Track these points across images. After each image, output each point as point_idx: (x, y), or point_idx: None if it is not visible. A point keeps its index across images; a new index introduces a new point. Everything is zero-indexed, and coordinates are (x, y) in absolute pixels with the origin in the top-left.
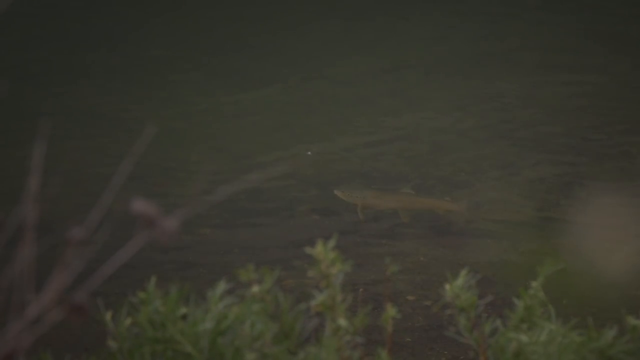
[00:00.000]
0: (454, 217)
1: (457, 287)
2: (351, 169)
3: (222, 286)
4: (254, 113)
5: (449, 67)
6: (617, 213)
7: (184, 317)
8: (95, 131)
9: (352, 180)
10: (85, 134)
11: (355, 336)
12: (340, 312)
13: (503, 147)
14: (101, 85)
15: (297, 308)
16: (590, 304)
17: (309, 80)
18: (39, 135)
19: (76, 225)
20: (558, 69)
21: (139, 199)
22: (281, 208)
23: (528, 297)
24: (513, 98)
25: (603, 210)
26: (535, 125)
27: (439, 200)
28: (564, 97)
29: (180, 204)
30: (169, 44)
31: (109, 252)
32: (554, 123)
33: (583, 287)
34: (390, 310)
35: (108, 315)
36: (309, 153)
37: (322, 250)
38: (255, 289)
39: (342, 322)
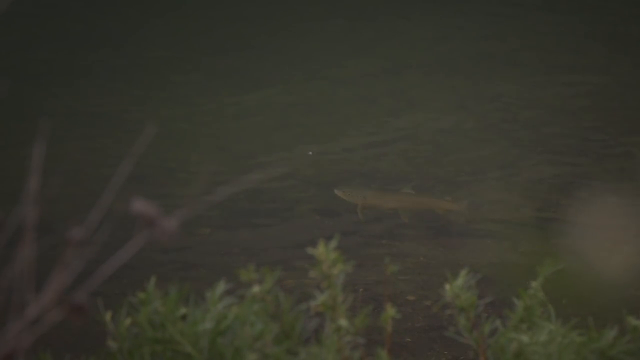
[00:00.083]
0: (455, 217)
1: (457, 287)
2: (352, 169)
3: (221, 286)
4: (255, 113)
5: (450, 68)
6: (617, 213)
7: (183, 317)
8: (95, 131)
9: (352, 181)
10: (86, 134)
11: (356, 336)
12: (341, 312)
13: (504, 148)
14: (101, 85)
15: (297, 308)
16: (590, 304)
17: (310, 80)
18: (39, 136)
19: (76, 225)
20: (559, 69)
21: (139, 199)
22: (282, 208)
23: (528, 297)
24: (514, 98)
25: (603, 211)
26: (536, 126)
27: (440, 200)
28: (564, 98)
29: (180, 204)
30: (170, 45)
31: (109, 252)
32: (555, 123)
33: (583, 287)
34: (390, 311)
35: (108, 316)
36: (310, 153)
37: (323, 251)
38: (256, 289)
39: (343, 322)
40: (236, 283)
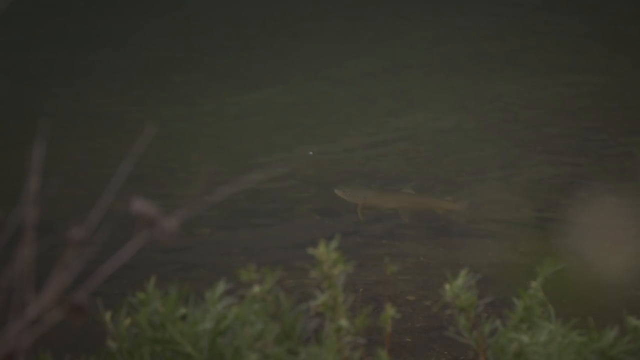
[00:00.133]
0: (455, 217)
1: (457, 287)
2: (352, 169)
3: (221, 286)
4: (255, 113)
5: (450, 68)
6: (617, 213)
7: (183, 317)
8: (95, 131)
9: (353, 181)
10: (86, 134)
11: (356, 337)
12: (341, 312)
13: (504, 148)
14: (102, 85)
15: (298, 308)
16: (590, 304)
17: (310, 80)
18: (39, 136)
19: (76, 225)
20: (559, 69)
21: (139, 199)
22: (282, 208)
23: (528, 297)
24: (514, 98)
25: (603, 211)
26: (536, 126)
27: (440, 200)
28: (564, 98)
29: (180, 204)
30: (170, 45)
31: (109, 252)
32: (555, 123)
33: (583, 287)
34: (390, 311)
35: (108, 316)
36: (310, 153)
37: (324, 251)
38: (256, 289)
39: (343, 322)
40: (236, 283)
